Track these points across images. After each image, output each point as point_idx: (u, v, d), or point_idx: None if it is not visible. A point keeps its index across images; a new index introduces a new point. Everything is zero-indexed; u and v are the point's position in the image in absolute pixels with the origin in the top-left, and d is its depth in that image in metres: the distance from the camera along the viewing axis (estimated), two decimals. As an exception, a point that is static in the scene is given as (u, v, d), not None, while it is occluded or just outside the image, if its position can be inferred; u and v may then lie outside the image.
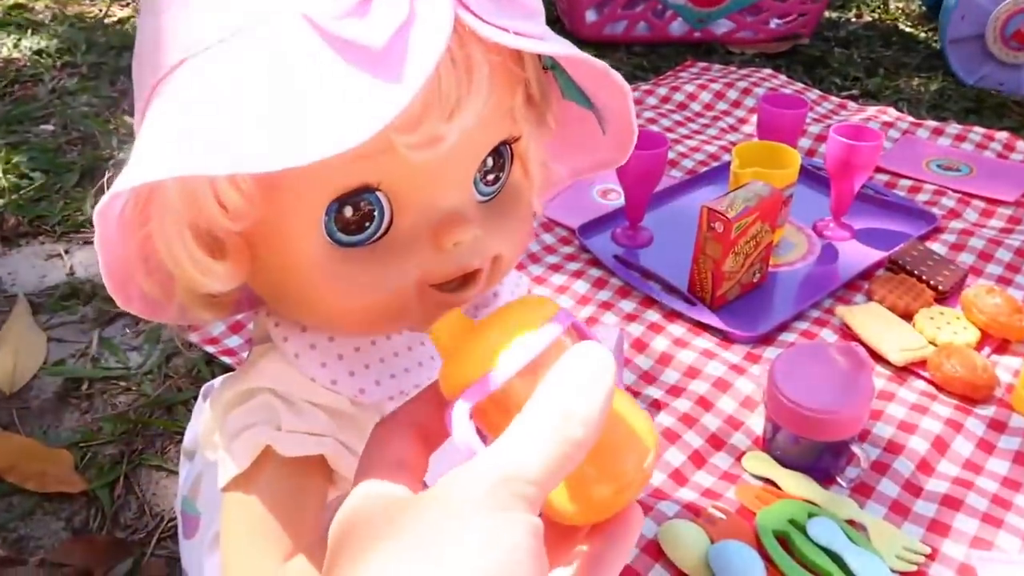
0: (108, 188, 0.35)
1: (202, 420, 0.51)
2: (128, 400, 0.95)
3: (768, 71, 1.68)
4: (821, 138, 1.43)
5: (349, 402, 0.48)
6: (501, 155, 0.42)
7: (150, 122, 0.37)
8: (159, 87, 0.37)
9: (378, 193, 0.38)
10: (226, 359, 0.97)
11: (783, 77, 1.67)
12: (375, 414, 0.50)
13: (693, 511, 0.78)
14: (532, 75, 0.41)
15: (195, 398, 0.94)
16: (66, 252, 1.18)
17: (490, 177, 0.41)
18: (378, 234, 0.39)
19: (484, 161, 0.40)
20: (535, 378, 0.31)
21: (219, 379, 0.75)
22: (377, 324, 0.44)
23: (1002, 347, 1.00)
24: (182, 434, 0.90)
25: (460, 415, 0.32)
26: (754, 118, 1.50)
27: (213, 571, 0.61)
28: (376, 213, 0.38)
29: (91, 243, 1.18)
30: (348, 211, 0.38)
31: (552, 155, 0.50)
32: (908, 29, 2.04)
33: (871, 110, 1.56)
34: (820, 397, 0.79)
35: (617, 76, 0.40)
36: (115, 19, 1.95)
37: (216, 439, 0.48)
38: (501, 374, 0.32)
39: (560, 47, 0.37)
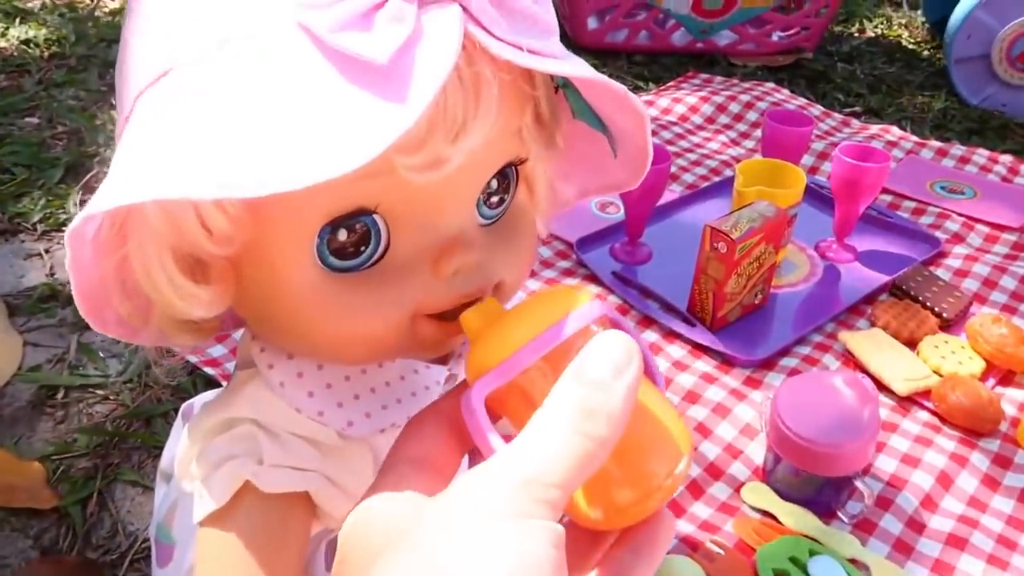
0: (92, 187, 0.32)
1: (179, 447, 0.48)
2: (105, 410, 0.91)
3: (771, 85, 1.66)
4: (824, 155, 1.40)
5: (336, 434, 0.46)
6: (506, 176, 0.39)
7: (131, 135, 0.35)
8: (142, 97, 0.35)
9: (375, 216, 0.36)
10: (209, 370, 0.93)
11: (786, 92, 1.65)
12: (364, 447, 0.48)
13: (691, 545, 0.76)
14: (543, 94, 0.39)
15: (175, 410, 0.90)
16: (46, 252, 1.14)
17: (494, 199, 0.39)
18: (373, 259, 0.37)
19: (488, 183, 0.38)
20: (561, 368, 0.30)
21: (199, 398, 0.72)
22: (369, 353, 0.41)
23: (1007, 378, 0.97)
24: (160, 448, 0.87)
25: (474, 400, 0.31)
26: (756, 132, 1.48)
27: (187, 606, 0.57)
28: (372, 237, 0.36)
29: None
30: (342, 234, 0.36)
31: (559, 175, 0.48)
32: (911, 46, 2.02)
33: (874, 128, 1.54)
34: (824, 430, 0.76)
35: (635, 100, 0.38)
36: (107, 10, 1.91)
37: (193, 469, 0.46)
38: (522, 360, 0.31)
39: (577, 68, 0.34)
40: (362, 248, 0.36)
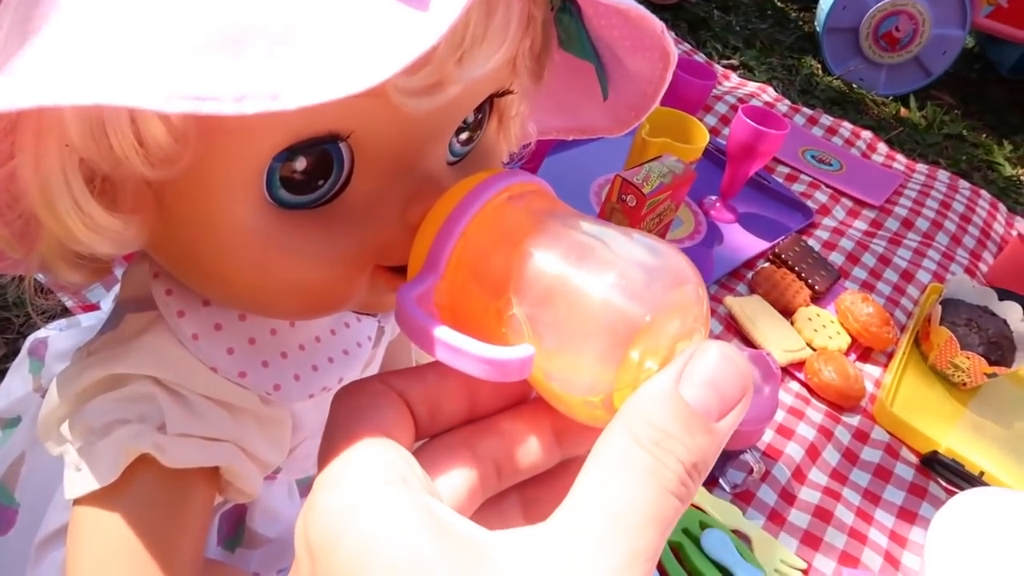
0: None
1: (45, 402, 0.38)
2: (-101, 316, 0.75)
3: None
4: (707, 108, 1.40)
5: (258, 399, 0.38)
6: (481, 110, 0.33)
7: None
8: None
9: (341, 144, 0.28)
10: (39, 276, 0.78)
11: (673, 34, 1.62)
12: (284, 412, 0.41)
13: (586, 512, 0.74)
14: (541, 18, 0.32)
15: (-5, 324, 0.75)
16: None
17: (464, 136, 0.33)
18: (328, 195, 0.29)
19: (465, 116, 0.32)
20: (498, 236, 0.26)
21: (53, 331, 0.59)
22: (312, 306, 0.34)
23: (865, 355, 1.03)
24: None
25: (403, 301, 0.26)
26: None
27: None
28: (334, 168, 0.29)
29: None
30: (300, 163, 0.28)
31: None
32: (780, 4, 2.06)
33: (752, 86, 1.55)
34: (726, 404, 0.76)
35: (668, 40, 0.33)
36: None
37: (64, 432, 0.37)
38: (446, 240, 0.26)
39: None
40: (319, 182, 0.29)
